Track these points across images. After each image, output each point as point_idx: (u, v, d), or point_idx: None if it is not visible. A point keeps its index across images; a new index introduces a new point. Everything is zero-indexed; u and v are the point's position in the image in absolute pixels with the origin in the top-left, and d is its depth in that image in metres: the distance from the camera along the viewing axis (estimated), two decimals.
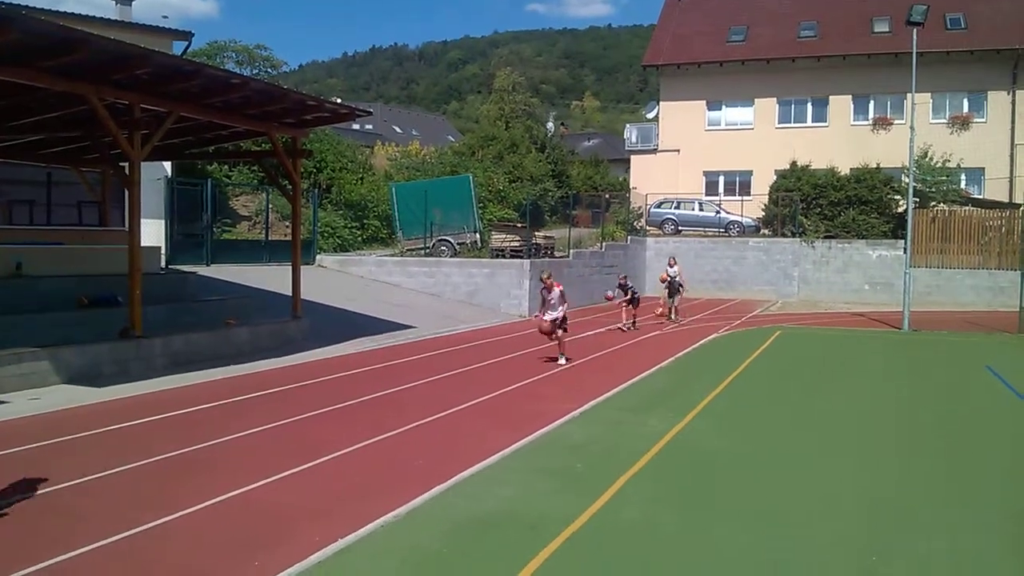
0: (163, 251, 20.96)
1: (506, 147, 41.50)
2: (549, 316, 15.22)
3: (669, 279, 23.61)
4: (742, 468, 8.23)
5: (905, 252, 23.87)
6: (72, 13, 22.91)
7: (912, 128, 23.53)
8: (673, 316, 23.17)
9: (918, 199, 28.94)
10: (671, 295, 23.49)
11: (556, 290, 15.27)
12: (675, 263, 24.37)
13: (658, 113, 42.61)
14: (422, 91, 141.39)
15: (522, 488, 7.34)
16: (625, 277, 21.34)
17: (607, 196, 37.46)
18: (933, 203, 32.61)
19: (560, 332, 15.23)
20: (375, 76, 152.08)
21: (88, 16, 23.13)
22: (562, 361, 15.02)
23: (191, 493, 6.85)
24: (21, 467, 7.06)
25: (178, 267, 21.14)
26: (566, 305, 15.41)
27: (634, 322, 21.03)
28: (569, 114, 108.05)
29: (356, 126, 54.63)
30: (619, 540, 6.12)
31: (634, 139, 42.95)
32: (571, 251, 28.09)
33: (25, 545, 5.70)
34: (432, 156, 41.02)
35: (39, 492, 6.82)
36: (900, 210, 31.84)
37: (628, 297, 20.59)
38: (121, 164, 15.00)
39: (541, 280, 15.76)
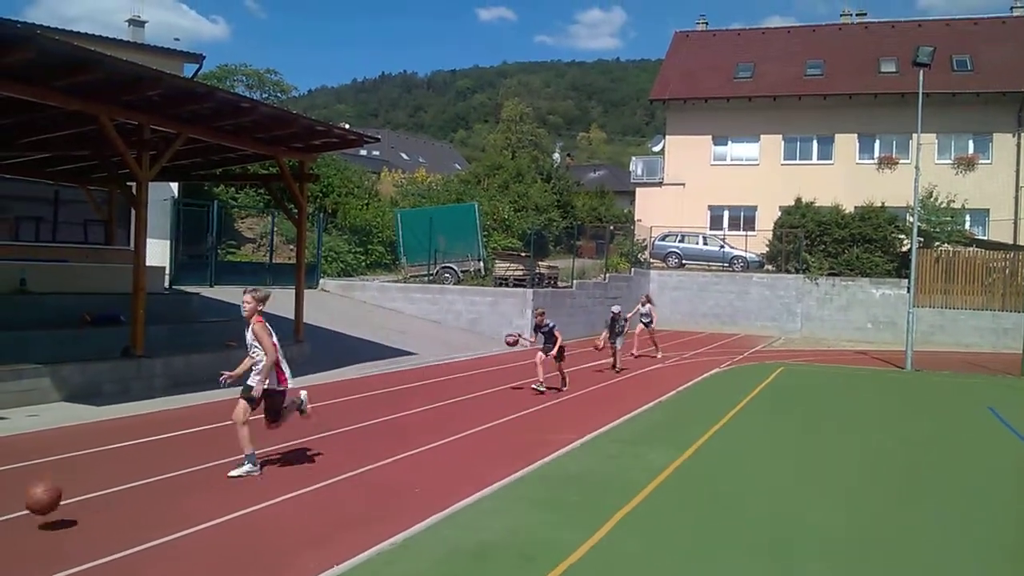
0: (167, 271, 21.00)
1: (512, 176, 41.68)
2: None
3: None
4: (741, 504, 8.17)
5: (909, 291, 23.88)
6: (85, 33, 23.13)
7: (917, 168, 23.60)
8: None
9: (922, 239, 28.97)
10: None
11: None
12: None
13: (664, 146, 42.83)
14: (430, 119, 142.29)
15: (520, 519, 7.29)
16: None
17: (611, 228, 37.55)
18: (937, 243, 32.63)
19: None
20: (384, 103, 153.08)
21: (101, 37, 23.32)
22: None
23: (187, 514, 6.81)
24: (17, 484, 6.99)
25: (182, 288, 21.16)
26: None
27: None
28: (575, 145, 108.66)
29: (363, 152, 54.89)
30: (617, 573, 6.07)
31: (639, 172, 43.14)
32: (574, 282, 28.10)
33: (20, 562, 5.66)
34: (438, 183, 41.19)
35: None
36: (904, 249, 31.86)
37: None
38: (129, 184, 15.11)
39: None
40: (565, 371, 15.65)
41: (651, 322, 22.52)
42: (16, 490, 6.54)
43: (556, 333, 15.20)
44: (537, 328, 15.58)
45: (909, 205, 27.28)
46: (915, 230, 24.30)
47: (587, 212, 44.24)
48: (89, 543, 6.07)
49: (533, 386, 15.05)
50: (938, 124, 34.12)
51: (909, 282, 24.02)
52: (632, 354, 21.71)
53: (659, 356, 22.04)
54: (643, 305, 22.63)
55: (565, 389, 15.28)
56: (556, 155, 64.94)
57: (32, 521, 6.45)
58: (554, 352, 15.06)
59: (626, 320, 19.60)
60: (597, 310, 28.91)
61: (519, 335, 16.14)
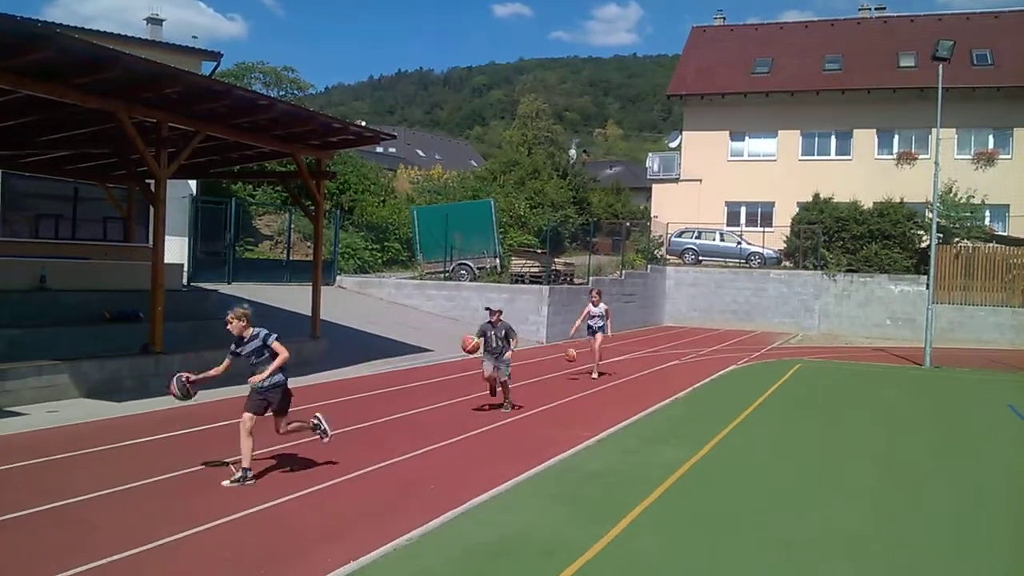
0: (185, 268, 21.12)
1: (528, 173, 41.65)
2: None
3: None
4: (758, 501, 8.14)
5: (928, 288, 23.69)
6: (104, 32, 23.30)
7: (937, 163, 23.43)
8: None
9: (942, 235, 28.75)
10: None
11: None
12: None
13: (680, 142, 42.69)
14: (446, 115, 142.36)
15: (536, 514, 7.30)
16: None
17: (628, 224, 37.45)
18: (957, 239, 32.39)
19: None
20: (400, 100, 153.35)
21: (119, 35, 23.48)
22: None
23: (205, 509, 6.85)
24: (36, 479, 7.09)
25: (200, 284, 21.28)
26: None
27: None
28: (592, 142, 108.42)
29: (380, 149, 55.00)
30: (634, 569, 6.07)
31: (656, 168, 43.02)
32: (590, 278, 28.05)
33: (39, 555, 5.71)
34: (454, 180, 41.23)
35: (52, 504, 6.84)
36: (923, 245, 31.62)
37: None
38: (147, 181, 15.17)
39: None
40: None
41: (604, 327, 16.95)
42: (34, 485, 6.60)
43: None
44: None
45: (928, 201, 27.06)
46: (934, 226, 24.12)
47: (603, 209, 44.16)
48: (104, 539, 6.11)
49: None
50: (958, 119, 33.81)
51: (928, 278, 23.83)
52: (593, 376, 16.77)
53: (594, 376, 16.68)
54: (595, 304, 17.03)
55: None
56: (572, 151, 64.77)
57: (47, 516, 6.50)
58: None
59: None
60: (613, 307, 28.84)
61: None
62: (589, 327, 17.10)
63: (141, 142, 12.50)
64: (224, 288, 21.30)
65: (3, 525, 6.28)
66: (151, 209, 14.15)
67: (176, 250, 20.55)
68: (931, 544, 7.05)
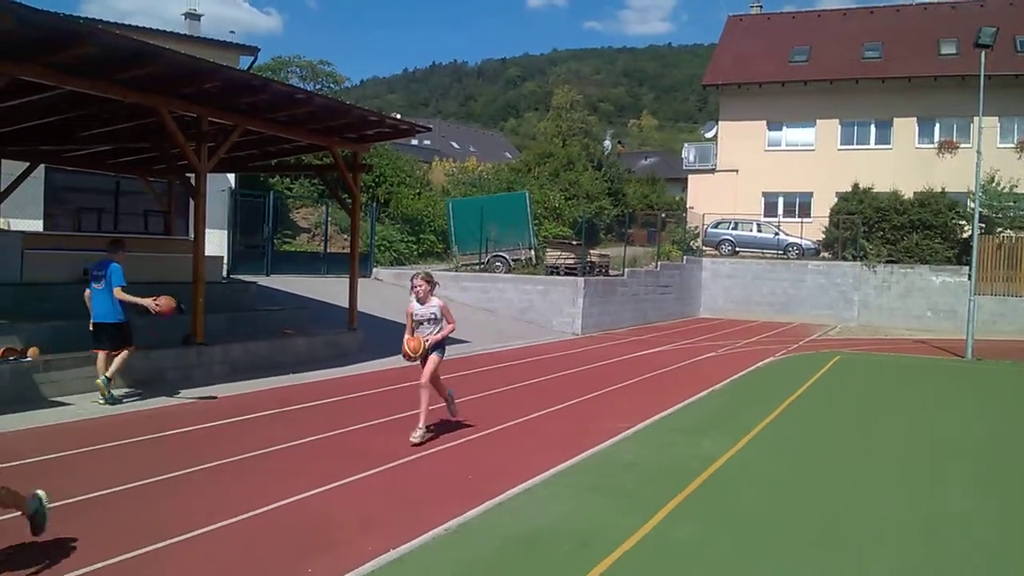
0: (225, 261, 21.38)
1: (563, 164, 41.62)
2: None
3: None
4: (797, 493, 8.08)
5: (970, 279, 23.30)
6: (142, 27, 23.59)
7: (979, 152, 22.99)
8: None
9: (984, 225, 28.25)
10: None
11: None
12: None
13: (717, 133, 42.33)
14: (480, 107, 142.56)
15: (574, 505, 7.31)
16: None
17: (663, 215, 37.27)
18: (999, 229, 31.84)
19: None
20: (434, 92, 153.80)
21: (158, 30, 23.79)
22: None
23: (244, 499, 6.94)
24: (84, 467, 7.23)
25: (239, 277, 21.54)
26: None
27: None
28: (626, 132, 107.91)
29: (415, 141, 55.19)
30: (673, 560, 6.06)
31: (692, 158, 42.71)
32: (626, 270, 27.96)
33: (111, 536, 5.84)
34: (489, 172, 41.27)
35: (103, 491, 6.97)
36: (965, 236, 31.12)
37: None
38: (187, 175, 15.37)
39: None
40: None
41: (440, 345, 9.74)
42: (84, 472, 6.72)
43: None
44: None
45: (970, 190, 26.59)
46: (976, 216, 23.69)
47: (638, 200, 44.02)
48: (157, 522, 6.23)
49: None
50: (1000, 107, 33.17)
51: (970, 269, 23.43)
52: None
53: (415, 438, 9.37)
54: (420, 301, 9.60)
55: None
56: (607, 143, 64.59)
57: (111, 499, 6.64)
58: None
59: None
60: (649, 299, 28.81)
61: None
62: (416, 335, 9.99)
63: (181, 136, 12.65)
64: (263, 280, 21.54)
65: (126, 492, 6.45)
66: (191, 202, 14.33)
67: (216, 243, 20.81)
68: (975, 540, 6.95)
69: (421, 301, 9.53)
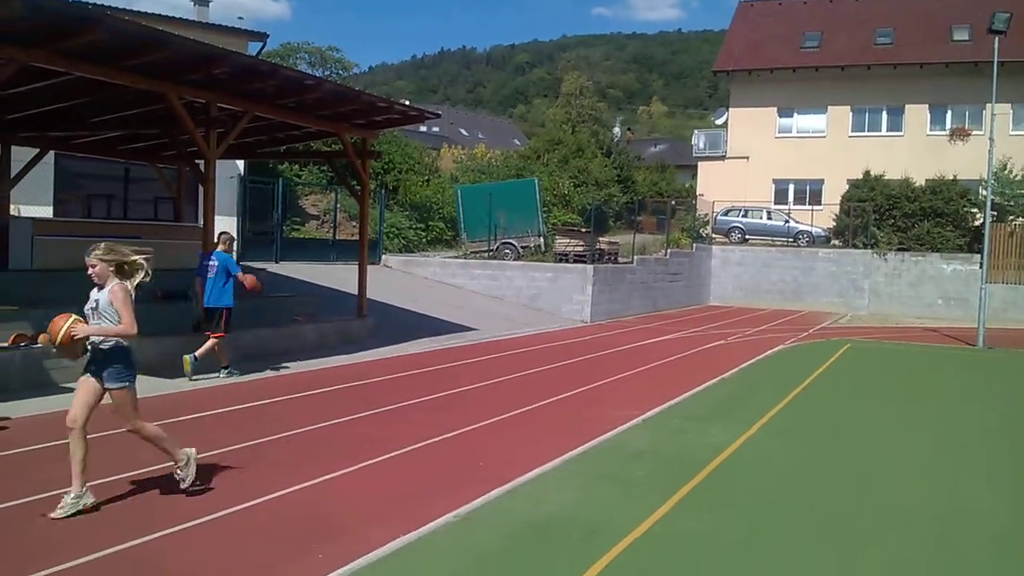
0: (235, 247, 21.38)
1: (572, 151, 41.49)
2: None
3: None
4: (808, 483, 8.05)
5: (981, 267, 23.17)
6: (151, 13, 23.56)
7: (991, 139, 22.79)
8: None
9: (996, 213, 28.05)
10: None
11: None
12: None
13: (727, 119, 42.11)
14: (489, 94, 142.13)
15: (583, 493, 7.30)
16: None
17: (673, 202, 37.15)
18: (1012, 217, 31.61)
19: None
20: (443, 79, 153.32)
21: (167, 16, 23.76)
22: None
23: (251, 486, 6.95)
24: (92, 454, 7.19)
25: (248, 264, 21.55)
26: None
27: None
28: (636, 119, 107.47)
29: (423, 128, 55.12)
30: (682, 549, 6.05)
31: (702, 145, 42.49)
32: (635, 257, 27.88)
33: (126, 522, 5.86)
34: (498, 159, 41.19)
35: (111, 478, 6.99)
36: (977, 224, 30.89)
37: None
38: (197, 161, 15.38)
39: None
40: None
41: (112, 359, 6.60)
42: (95, 460, 6.71)
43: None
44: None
45: (982, 178, 26.39)
46: (988, 203, 23.50)
47: (648, 187, 43.90)
48: (153, 508, 6.25)
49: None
50: (1014, 93, 32.85)
51: (982, 257, 23.29)
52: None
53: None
54: (99, 287, 6.82)
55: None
56: (616, 129, 64.43)
57: (114, 486, 6.66)
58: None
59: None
60: (658, 286, 28.74)
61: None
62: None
63: (191, 122, 12.65)
64: (272, 267, 21.58)
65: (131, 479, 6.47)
66: (200, 189, 14.34)
67: (225, 229, 20.79)
68: (987, 530, 6.91)
69: (99, 285, 6.67)
